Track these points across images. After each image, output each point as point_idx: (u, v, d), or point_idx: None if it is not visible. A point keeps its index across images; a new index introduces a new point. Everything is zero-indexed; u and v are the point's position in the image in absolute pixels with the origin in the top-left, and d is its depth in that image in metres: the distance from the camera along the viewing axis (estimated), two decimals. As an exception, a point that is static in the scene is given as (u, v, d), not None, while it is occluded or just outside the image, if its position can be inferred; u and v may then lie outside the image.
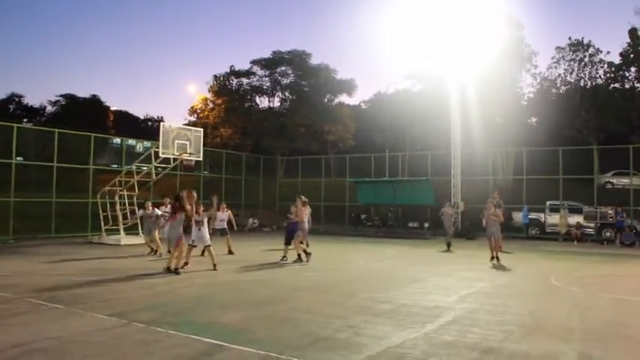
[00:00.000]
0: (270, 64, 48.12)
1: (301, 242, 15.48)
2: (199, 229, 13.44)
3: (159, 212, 17.06)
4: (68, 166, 25.23)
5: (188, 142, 20.81)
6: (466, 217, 28.16)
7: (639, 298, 9.96)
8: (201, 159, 22.52)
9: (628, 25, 34.87)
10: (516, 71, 37.99)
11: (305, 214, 16.10)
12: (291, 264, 14.74)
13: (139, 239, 21.11)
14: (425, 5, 28.87)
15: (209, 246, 13.45)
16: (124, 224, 21.35)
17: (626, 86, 36.65)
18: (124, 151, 29.59)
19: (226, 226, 17.83)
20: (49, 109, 62.71)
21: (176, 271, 12.40)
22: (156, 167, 21.39)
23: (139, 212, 18.64)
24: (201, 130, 22.92)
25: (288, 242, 15.76)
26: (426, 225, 28.69)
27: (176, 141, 20.32)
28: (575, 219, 25.36)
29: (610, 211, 24.28)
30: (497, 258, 15.54)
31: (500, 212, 16.30)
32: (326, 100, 48.56)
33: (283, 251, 15.60)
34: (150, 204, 17.59)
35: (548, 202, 26.92)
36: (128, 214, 21.64)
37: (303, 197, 15.86)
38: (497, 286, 11.31)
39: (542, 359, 6.08)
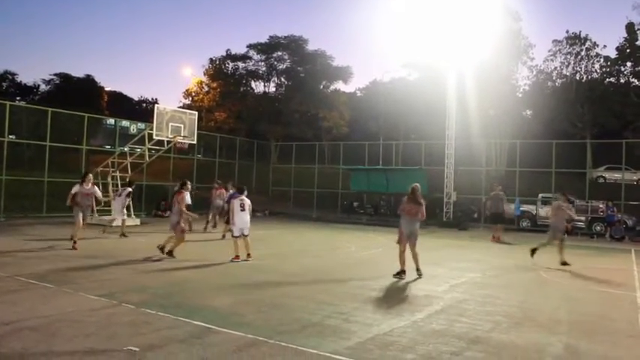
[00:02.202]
0: (267, 48, 47.85)
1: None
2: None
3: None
4: (61, 146, 25.11)
5: (182, 125, 20.75)
6: (458, 207, 28.25)
7: (626, 291, 10.05)
8: (195, 142, 22.47)
9: (625, 20, 34.93)
10: (513, 63, 37.99)
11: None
12: (282, 250, 14.76)
13: (131, 220, 21.08)
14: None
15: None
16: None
17: (622, 81, 36.76)
18: (118, 132, 29.39)
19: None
20: (43, 87, 62.09)
21: (170, 254, 12.29)
22: (149, 149, 21.34)
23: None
24: (196, 113, 22.83)
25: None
26: (419, 214, 28.72)
27: (170, 123, 20.26)
28: (566, 212, 25.43)
29: (601, 205, 24.42)
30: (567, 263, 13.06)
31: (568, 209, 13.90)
32: (321, 86, 48.37)
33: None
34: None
35: (540, 195, 27.02)
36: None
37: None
38: (487, 277, 11.38)
39: (529, 350, 6.14)
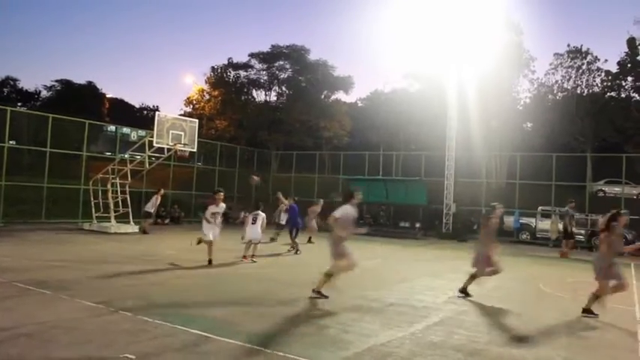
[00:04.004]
0: (269, 57, 47.96)
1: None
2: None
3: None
4: (61, 152, 25.11)
5: (183, 133, 20.77)
6: (458, 219, 28.23)
7: (626, 306, 10.01)
8: (195, 150, 22.48)
9: (627, 35, 35.00)
10: (514, 76, 38.07)
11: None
12: (280, 259, 14.73)
13: (130, 227, 21.10)
14: (425, 6, 28.85)
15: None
16: (115, 212, 21.29)
17: (623, 95, 36.78)
18: (118, 139, 29.44)
19: None
20: (44, 93, 62.17)
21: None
22: (149, 156, 21.36)
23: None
24: (197, 121, 22.84)
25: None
26: (418, 225, 28.74)
27: (171, 131, 20.29)
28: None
29: (601, 219, 24.35)
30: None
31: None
32: (323, 96, 48.45)
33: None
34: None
35: (539, 208, 27.01)
36: (119, 202, 21.59)
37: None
38: (486, 289, 11.33)
39: (528, 363, 6.11)
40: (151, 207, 20.85)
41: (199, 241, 13.18)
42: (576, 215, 25.72)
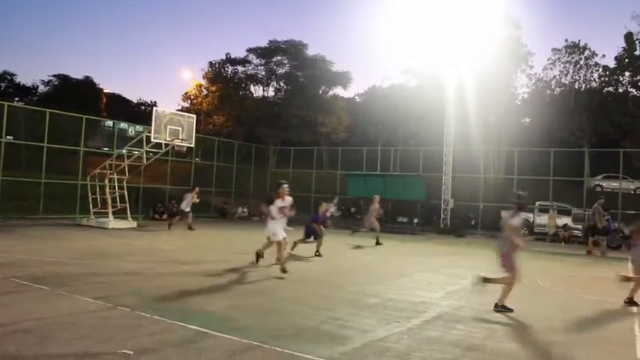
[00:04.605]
0: (266, 53, 47.91)
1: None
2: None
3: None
4: (59, 147, 25.06)
5: (180, 128, 20.78)
6: (456, 214, 28.26)
7: (622, 301, 10.03)
8: (193, 145, 22.46)
9: (624, 30, 35.00)
10: (512, 71, 38.02)
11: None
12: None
13: (127, 223, 21.10)
14: (423, 1, 28.78)
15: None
16: (112, 208, 21.27)
17: (620, 91, 36.79)
18: (116, 134, 29.44)
19: None
20: (42, 88, 62.00)
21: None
22: (147, 152, 21.31)
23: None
24: (194, 116, 22.86)
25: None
26: (416, 220, 28.79)
27: (168, 126, 20.28)
28: (563, 220, 25.50)
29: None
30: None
31: None
32: (321, 91, 48.45)
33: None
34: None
35: (537, 203, 27.04)
36: (117, 197, 21.58)
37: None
38: (484, 285, 11.34)
39: (525, 358, 6.12)
40: (186, 206, 20.96)
41: (292, 246, 12.30)
42: (573, 210, 25.90)
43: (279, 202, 11.44)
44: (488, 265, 14.87)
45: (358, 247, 18.13)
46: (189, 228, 20.64)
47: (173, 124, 20.49)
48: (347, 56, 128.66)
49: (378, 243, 19.01)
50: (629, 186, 30.51)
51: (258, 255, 12.01)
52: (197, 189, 21.66)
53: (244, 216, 30.67)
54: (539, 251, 20.24)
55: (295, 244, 14.70)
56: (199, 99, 50.07)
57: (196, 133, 22.34)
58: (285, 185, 11.63)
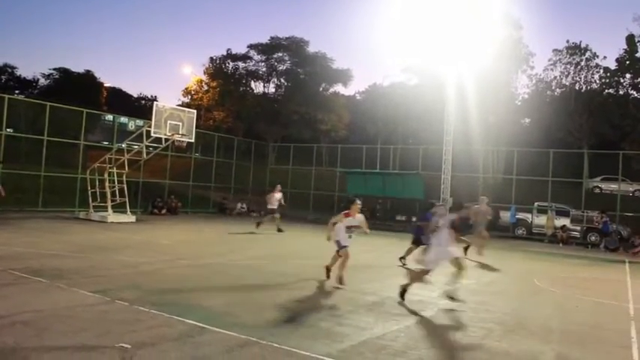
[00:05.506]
0: (267, 49, 47.89)
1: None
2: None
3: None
4: (59, 141, 25.04)
5: (181, 123, 20.76)
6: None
7: (619, 302, 10.07)
8: (193, 141, 22.46)
9: (626, 32, 34.94)
10: (512, 71, 38.03)
11: None
12: (277, 251, 14.73)
13: (126, 217, 21.10)
14: (424, 0, 28.75)
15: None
16: (112, 202, 21.27)
17: (621, 92, 36.74)
18: (116, 128, 29.43)
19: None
20: (42, 82, 62.04)
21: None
22: (147, 146, 21.32)
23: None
24: (195, 111, 22.85)
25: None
26: (414, 219, 28.76)
27: (169, 121, 20.27)
28: (561, 221, 25.53)
29: (596, 216, 24.47)
30: None
31: None
32: (321, 88, 48.43)
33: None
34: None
35: (536, 203, 27.06)
36: (116, 191, 21.55)
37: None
38: (481, 284, 11.38)
39: (521, 358, 6.14)
40: (275, 202, 20.60)
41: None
42: (572, 212, 25.88)
43: (348, 221, 10.28)
44: (486, 264, 14.94)
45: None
46: (279, 230, 20.29)
47: (173, 119, 20.48)
48: (348, 54, 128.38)
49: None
50: (628, 188, 30.55)
51: (328, 270, 10.62)
52: (279, 186, 21.25)
53: (243, 212, 30.68)
54: (537, 252, 20.29)
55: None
56: (200, 94, 50.05)
57: (196, 128, 22.32)
58: (359, 202, 10.57)
